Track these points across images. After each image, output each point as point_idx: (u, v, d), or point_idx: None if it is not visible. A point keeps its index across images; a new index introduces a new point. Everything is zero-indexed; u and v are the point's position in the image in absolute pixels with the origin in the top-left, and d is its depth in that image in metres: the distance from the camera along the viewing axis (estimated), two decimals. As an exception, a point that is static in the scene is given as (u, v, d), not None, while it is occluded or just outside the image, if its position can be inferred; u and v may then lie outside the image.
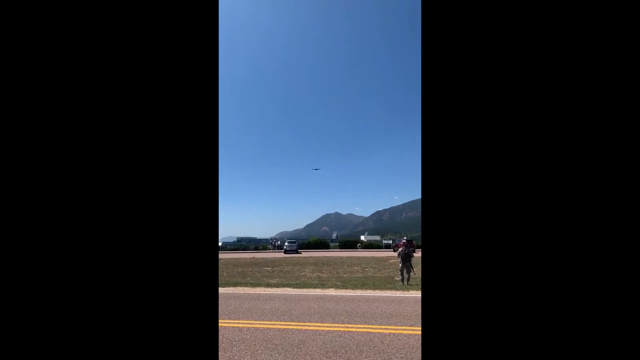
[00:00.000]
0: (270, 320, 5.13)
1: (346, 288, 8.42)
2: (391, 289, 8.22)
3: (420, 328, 3.63)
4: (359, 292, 7.75)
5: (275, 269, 14.49)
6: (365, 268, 14.10)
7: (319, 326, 4.73)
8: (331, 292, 7.89)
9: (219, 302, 5.13)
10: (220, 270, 13.34)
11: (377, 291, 7.89)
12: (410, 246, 10.64)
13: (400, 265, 9.60)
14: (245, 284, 9.46)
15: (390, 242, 35.61)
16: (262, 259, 20.75)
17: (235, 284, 9.42)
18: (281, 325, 4.85)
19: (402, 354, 3.58)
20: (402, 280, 9.31)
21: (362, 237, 46.59)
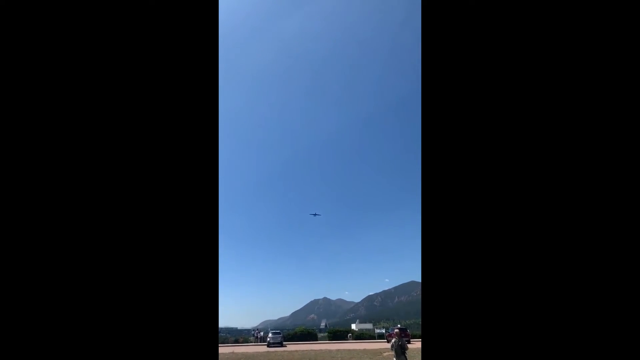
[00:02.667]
0: None
1: (336, 389, 7.48)
2: (386, 388, 7.36)
3: None
4: (350, 394, 6.89)
5: (256, 366, 12.92)
6: (357, 363, 12.74)
7: None
8: (319, 394, 6.99)
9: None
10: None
11: (370, 392, 7.04)
12: (404, 336, 9.88)
13: (395, 359, 8.76)
14: (222, 386, 8.31)
15: (384, 331, 32.93)
16: (243, 353, 18.61)
17: (211, 386, 8.24)
18: None
19: None
20: (398, 377, 8.38)
21: (353, 326, 43.10)
